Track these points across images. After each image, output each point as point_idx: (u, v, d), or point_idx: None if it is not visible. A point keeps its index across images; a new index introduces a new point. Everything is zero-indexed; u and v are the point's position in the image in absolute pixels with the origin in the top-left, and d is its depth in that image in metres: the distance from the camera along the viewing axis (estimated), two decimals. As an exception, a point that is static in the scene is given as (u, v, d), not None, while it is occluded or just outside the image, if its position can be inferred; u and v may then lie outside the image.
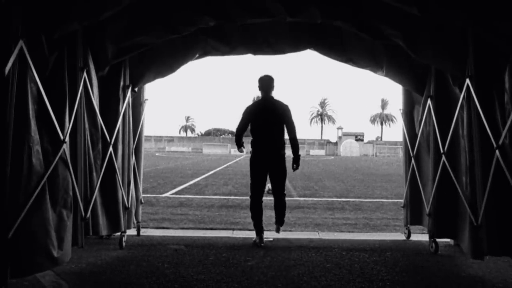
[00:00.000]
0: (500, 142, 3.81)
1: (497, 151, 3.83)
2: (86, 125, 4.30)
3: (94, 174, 4.43)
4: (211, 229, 6.29)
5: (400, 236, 5.88)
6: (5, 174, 3.00)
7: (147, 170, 18.85)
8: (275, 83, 5.44)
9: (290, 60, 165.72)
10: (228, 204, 9.05)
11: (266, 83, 5.37)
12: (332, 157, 59.13)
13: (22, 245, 3.19)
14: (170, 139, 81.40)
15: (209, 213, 7.71)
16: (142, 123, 5.60)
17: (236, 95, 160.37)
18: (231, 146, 69.97)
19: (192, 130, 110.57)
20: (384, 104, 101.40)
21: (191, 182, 14.15)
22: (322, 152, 74.91)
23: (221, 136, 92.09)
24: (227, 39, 5.06)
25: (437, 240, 4.94)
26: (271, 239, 5.45)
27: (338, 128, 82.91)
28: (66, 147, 3.75)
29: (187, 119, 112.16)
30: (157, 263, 4.35)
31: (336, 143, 79.69)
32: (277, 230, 5.48)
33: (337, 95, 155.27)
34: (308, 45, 5.15)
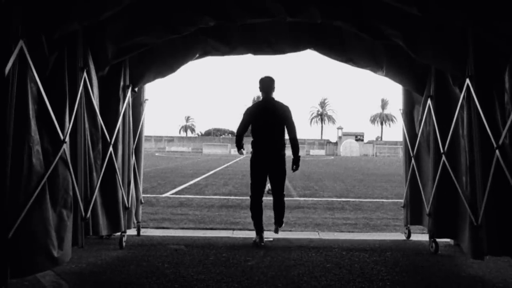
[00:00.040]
0: (500, 142, 3.81)
1: (497, 151, 3.83)
2: (86, 125, 4.30)
3: (94, 174, 4.43)
4: (211, 229, 6.29)
5: (400, 236, 5.88)
6: (5, 174, 3.00)
7: (147, 170, 18.85)
8: (276, 84, 5.46)
9: (290, 60, 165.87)
10: (228, 204, 9.06)
11: (266, 84, 5.39)
12: (332, 157, 59.14)
13: (22, 245, 3.19)
14: (170, 139, 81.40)
15: (209, 213, 7.71)
16: (142, 123, 5.60)
17: (236, 95, 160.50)
18: (231, 146, 69.94)
19: (192, 130, 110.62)
20: (384, 104, 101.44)
21: (191, 182, 14.15)
22: (322, 152, 74.91)
23: (221, 136, 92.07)
24: (227, 39, 5.07)
25: (437, 240, 4.94)
26: (271, 239, 5.46)
27: (338, 128, 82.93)
28: (66, 147, 3.75)
29: (187, 119, 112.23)
30: (157, 263, 4.35)
31: (336, 143, 79.68)
32: (276, 231, 5.50)
33: (337, 95, 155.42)
34: (308, 45, 5.15)
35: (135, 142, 5.43)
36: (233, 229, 6.25)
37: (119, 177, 4.79)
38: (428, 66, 4.89)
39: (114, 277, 3.90)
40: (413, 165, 5.41)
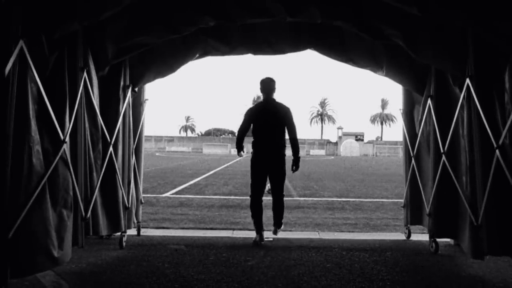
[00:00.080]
0: (500, 142, 3.81)
1: (497, 151, 3.83)
2: (87, 125, 4.30)
3: (94, 174, 4.43)
4: (211, 229, 6.29)
5: (400, 236, 5.88)
6: (5, 174, 3.00)
7: (147, 170, 18.85)
8: (276, 85, 5.51)
9: (290, 60, 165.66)
10: (228, 204, 9.06)
11: (267, 85, 5.44)
12: (332, 157, 59.14)
13: (23, 245, 3.19)
14: (170, 139, 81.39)
15: (209, 213, 7.71)
16: (142, 123, 5.60)
17: (236, 95, 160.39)
18: (231, 146, 69.93)
19: (192, 130, 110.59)
20: (384, 104, 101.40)
21: (191, 182, 14.15)
22: (322, 152, 74.89)
23: (221, 136, 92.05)
24: (227, 39, 5.07)
25: (437, 240, 4.94)
26: (271, 239, 5.46)
27: (338, 128, 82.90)
28: (66, 147, 3.75)
29: (187, 119, 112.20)
30: (157, 263, 4.35)
31: (336, 143, 79.66)
32: (275, 233, 5.51)
33: (337, 95, 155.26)
34: (308, 45, 5.15)
35: (135, 142, 5.43)
36: (233, 229, 6.25)
37: (119, 177, 4.79)
38: (428, 66, 4.89)
39: (114, 277, 3.90)
40: (413, 165, 5.41)
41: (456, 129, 4.53)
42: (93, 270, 4.07)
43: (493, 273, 4.21)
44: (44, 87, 3.43)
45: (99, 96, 4.52)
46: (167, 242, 5.26)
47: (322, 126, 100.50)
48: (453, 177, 4.53)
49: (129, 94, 5.00)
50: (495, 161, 3.86)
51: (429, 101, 4.91)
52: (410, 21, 4.17)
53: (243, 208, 8.13)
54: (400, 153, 56.31)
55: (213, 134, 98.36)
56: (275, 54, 5.35)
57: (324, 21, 4.46)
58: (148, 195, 9.78)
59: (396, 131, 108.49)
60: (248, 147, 5.54)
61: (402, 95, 5.73)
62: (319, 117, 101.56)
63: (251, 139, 5.48)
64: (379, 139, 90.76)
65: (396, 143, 73.98)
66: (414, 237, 5.69)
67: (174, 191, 11.39)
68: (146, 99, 5.68)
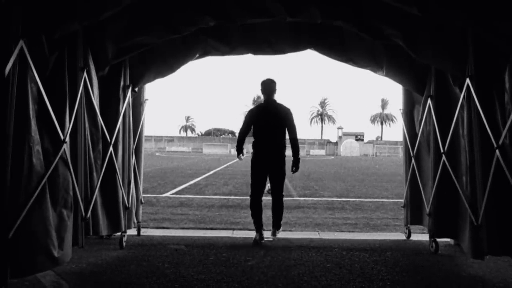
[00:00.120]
0: (500, 142, 3.81)
1: (497, 151, 3.83)
2: (87, 125, 4.30)
3: (95, 174, 4.43)
4: (211, 229, 6.29)
5: (400, 236, 5.88)
6: (5, 174, 3.00)
7: (147, 170, 18.85)
8: (277, 86, 5.55)
9: (290, 60, 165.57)
10: (228, 204, 9.06)
11: (268, 86, 5.50)
12: (332, 157, 59.14)
13: (23, 245, 3.19)
14: (170, 139, 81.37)
15: (209, 213, 7.71)
16: (142, 123, 5.60)
17: (236, 95, 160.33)
18: (231, 146, 69.90)
19: (192, 130, 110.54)
20: (384, 104, 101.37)
21: (191, 182, 14.15)
22: (322, 152, 74.87)
23: (221, 136, 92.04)
24: (227, 39, 5.07)
25: (438, 240, 4.94)
26: (271, 239, 5.46)
27: (338, 128, 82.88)
28: (66, 147, 3.75)
29: (187, 119, 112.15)
30: (158, 263, 4.35)
31: (336, 143, 79.64)
32: (273, 234, 5.52)
33: (337, 95, 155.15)
34: (308, 45, 5.15)
35: (135, 142, 5.43)
36: (233, 229, 6.25)
37: (119, 177, 4.79)
38: (428, 66, 4.89)
39: (114, 277, 3.90)
40: (413, 165, 5.41)
41: (456, 129, 4.53)
42: (93, 270, 4.07)
43: (493, 273, 4.21)
44: (44, 87, 3.43)
45: (99, 96, 4.52)
46: (167, 242, 5.26)
47: (322, 126, 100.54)
48: (453, 177, 4.53)
49: (129, 94, 5.00)
50: (495, 161, 3.86)
51: (429, 101, 4.91)
52: (410, 21, 4.17)
53: (243, 208, 8.13)
54: (400, 153, 56.31)
55: (213, 134, 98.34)
56: (275, 54, 5.36)
57: (324, 21, 4.46)
58: (148, 195, 9.79)
59: (396, 131, 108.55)
60: (248, 147, 5.56)
61: (402, 95, 5.73)
62: (319, 117, 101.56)
63: (251, 139, 5.51)
64: (379, 139, 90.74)
65: (396, 143, 73.96)
66: (414, 237, 5.70)
67: (174, 191, 11.39)
68: (146, 99, 5.68)
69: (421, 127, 5.18)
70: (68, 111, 3.84)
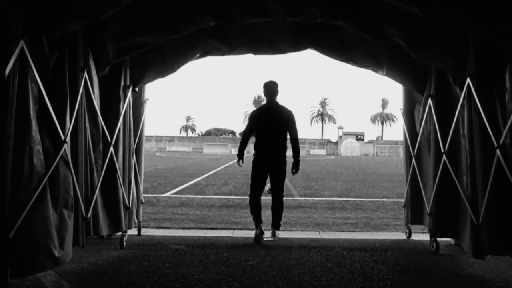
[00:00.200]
0: (501, 141, 3.81)
1: (497, 151, 3.82)
2: (87, 125, 4.30)
3: (95, 174, 4.43)
4: (212, 228, 6.29)
5: (401, 236, 5.88)
6: (6, 174, 3.00)
7: (148, 170, 18.85)
8: (279, 88, 5.62)
9: (291, 60, 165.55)
10: (228, 204, 9.06)
11: (271, 88, 5.58)
12: (333, 157, 59.12)
13: (23, 245, 3.19)
14: (171, 139, 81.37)
15: (209, 213, 7.71)
16: (143, 123, 5.61)
17: (236, 95, 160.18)
18: (231, 146, 69.88)
19: (193, 130, 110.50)
20: (384, 104, 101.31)
21: (192, 182, 14.15)
22: (322, 151, 74.81)
23: (222, 136, 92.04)
24: (227, 39, 5.07)
25: (438, 239, 4.94)
26: (272, 239, 5.47)
27: (338, 128, 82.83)
28: (67, 147, 3.75)
29: (188, 119, 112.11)
30: (158, 262, 4.35)
31: (336, 143, 79.60)
32: (273, 234, 5.54)
33: (338, 95, 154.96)
34: (309, 44, 5.15)
35: (136, 142, 5.43)
36: (234, 229, 6.25)
37: (120, 177, 4.80)
38: (428, 66, 4.89)
39: (115, 277, 3.90)
40: (413, 164, 5.41)
41: (456, 129, 4.52)
42: (94, 270, 4.07)
43: (494, 272, 4.21)
44: (45, 87, 3.44)
45: (99, 96, 4.52)
46: (168, 242, 5.26)
47: (322, 126, 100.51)
48: (454, 176, 4.53)
49: (129, 94, 5.00)
50: (495, 161, 3.86)
51: (429, 101, 4.91)
52: (411, 20, 4.17)
53: (244, 208, 8.13)
54: (401, 153, 56.23)
55: (214, 134, 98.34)
56: (275, 54, 5.36)
57: (324, 21, 4.46)
58: (149, 195, 9.79)
59: (396, 131, 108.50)
60: (248, 147, 5.59)
61: (403, 95, 5.73)
62: (320, 116, 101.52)
63: (251, 140, 5.58)
64: (380, 139, 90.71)
65: (396, 142, 73.89)
66: (415, 236, 5.69)
67: (174, 191, 11.40)
68: (146, 99, 5.68)
69: (422, 126, 5.18)
70: (68, 111, 3.84)
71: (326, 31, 4.99)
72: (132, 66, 5.02)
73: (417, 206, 5.39)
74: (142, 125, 5.59)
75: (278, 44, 5.19)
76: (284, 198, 5.68)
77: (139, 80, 5.19)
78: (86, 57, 4.16)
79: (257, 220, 5.44)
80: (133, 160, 5.32)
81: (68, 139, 3.77)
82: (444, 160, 4.63)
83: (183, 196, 10.34)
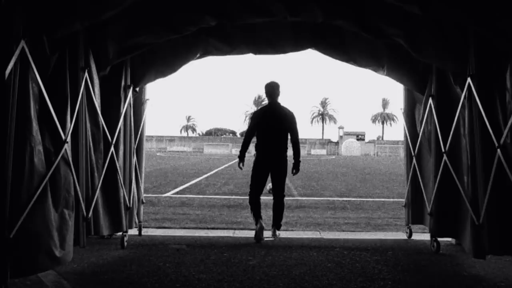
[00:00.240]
0: (502, 141, 3.81)
1: (498, 150, 3.82)
2: (88, 125, 4.31)
3: (96, 174, 4.43)
4: (213, 228, 6.30)
5: (401, 236, 5.88)
6: (7, 174, 3.01)
7: (149, 170, 18.86)
8: (281, 89, 5.65)
9: (291, 60, 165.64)
10: (229, 203, 9.06)
11: (272, 89, 5.60)
12: (333, 157, 59.12)
13: (24, 245, 3.19)
14: (171, 139, 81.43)
15: (210, 213, 7.71)
16: (144, 123, 5.61)
17: (237, 95, 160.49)
18: (232, 146, 69.91)
19: (193, 130, 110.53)
20: (385, 104, 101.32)
21: (193, 182, 14.16)
22: (323, 151, 74.83)
23: (222, 136, 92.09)
24: (228, 39, 5.07)
25: (439, 239, 4.94)
26: (272, 238, 5.47)
27: (339, 128, 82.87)
28: (67, 147, 3.76)
29: (188, 119, 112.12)
30: (159, 262, 4.35)
31: (337, 143, 79.61)
32: (273, 234, 5.55)
33: (338, 95, 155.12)
34: (309, 44, 5.15)
35: (137, 142, 5.44)
36: (235, 229, 6.25)
37: (121, 177, 4.80)
38: (429, 65, 4.88)
39: (115, 276, 3.90)
40: (414, 164, 5.41)
41: (457, 129, 4.52)
42: (94, 270, 4.07)
43: (494, 272, 4.20)
44: (46, 87, 3.44)
45: (100, 96, 4.53)
46: (169, 242, 5.27)
47: (323, 126, 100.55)
48: (455, 176, 4.52)
49: (130, 94, 5.00)
50: (496, 161, 3.85)
51: (430, 101, 4.90)
52: (411, 20, 4.17)
53: (244, 208, 8.13)
54: (401, 153, 56.17)
55: (214, 134, 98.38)
56: (276, 53, 5.36)
57: (325, 21, 4.46)
58: (149, 195, 9.79)
59: (397, 131, 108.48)
60: (249, 147, 5.61)
61: (403, 95, 5.73)
62: (320, 116, 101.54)
63: (252, 140, 5.62)
64: (380, 139, 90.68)
65: (397, 142, 73.88)
66: (416, 236, 5.69)
67: (175, 191, 11.40)
68: (147, 99, 5.68)
69: (422, 126, 5.18)
70: (69, 111, 3.84)
71: (326, 31, 4.98)
72: (133, 66, 5.02)
73: (418, 206, 5.39)
74: (143, 125, 5.59)
75: (278, 44, 5.19)
76: (285, 198, 5.68)
77: (139, 80, 5.19)
78: (87, 57, 4.16)
79: (257, 216, 5.48)
80: (134, 160, 5.32)
81: (69, 139, 3.77)
82: (445, 160, 4.63)
83: (183, 196, 10.35)
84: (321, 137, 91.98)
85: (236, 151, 60.07)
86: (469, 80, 4.14)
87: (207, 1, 4.29)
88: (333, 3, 4.30)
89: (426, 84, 5.03)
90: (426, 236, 5.44)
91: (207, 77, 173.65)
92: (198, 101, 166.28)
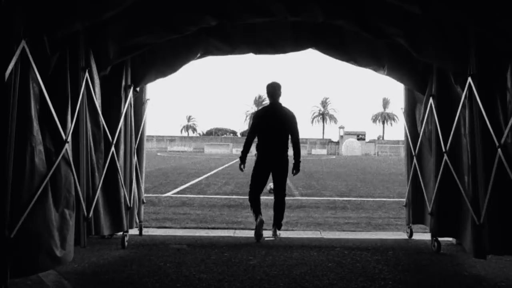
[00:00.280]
0: (502, 141, 3.80)
1: (499, 150, 3.82)
2: (89, 125, 4.31)
3: (96, 174, 4.43)
4: (213, 228, 6.30)
5: (402, 235, 5.88)
6: (7, 174, 3.01)
7: (149, 170, 18.85)
8: (282, 89, 5.67)
9: (292, 59, 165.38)
10: (229, 203, 9.06)
11: (273, 90, 5.63)
12: (334, 156, 59.10)
13: (25, 245, 3.19)
14: (172, 139, 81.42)
15: (211, 213, 7.72)
16: (144, 122, 5.61)
17: (237, 94, 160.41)
18: (232, 145, 69.89)
19: (194, 130, 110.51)
20: (385, 103, 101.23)
21: (193, 182, 14.16)
22: (324, 151, 74.76)
23: (223, 136, 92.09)
24: (228, 39, 5.07)
25: (439, 239, 4.94)
26: (273, 238, 5.47)
27: (339, 127, 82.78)
28: (68, 147, 3.76)
29: (189, 118, 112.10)
30: (159, 262, 4.35)
31: (337, 142, 79.55)
32: (274, 234, 5.56)
33: (339, 94, 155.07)
34: (309, 44, 5.15)
35: (137, 141, 5.44)
36: (235, 229, 6.26)
37: (121, 177, 4.80)
38: (429, 65, 4.88)
39: (116, 276, 3.90)
40: (415, 164, 5.41)
41: (458, 128, 4.52)
42: (95, 270, 4.07)
43: (495, 272, 4.20)
44: (46, 87, 3.44)
45: (101, 96, 4.53)
46: (169, 242, 5.27)
47: (323, 126, 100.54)
48: (455, 176, 4.52)
49: (130, 94, 5.00)
50: (497, 160, 3.85)
51: (430, 100, 4.90)
52: (411, 20, 4.16)
53: (245, 208, 8.13)
54: (402, 153, 56.14)
55: (215, 134, 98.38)
56: (276, 53, 5.36)
57: (326, 21, 4.46)
58: (150, 195, 9.80)
59: (398, 131, 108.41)
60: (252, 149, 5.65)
61: (404, 94, 5.73)
62: (321, 116, 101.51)
63: (253, 141, 5.68)
64: (381, 139, 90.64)
65: (397, 142, 73.81)
66: (416, 236, 5.69)
67: (175, 190, 11.41)
68: (147, 99, 5.68)
69: (423, 126, 5.18)
70: (70, 111, 3.84)
71: (326, 31, 4.98)
72: (133, 66, 5.03)
73: (419, 205, 5.39)
74: (143, 125, 5.60)
75: (279, 43, 5.19)
76: (286, 198, 5.69)
77: (140, 80, 5.19)
78: (87, 57, 4.17)
79: (257, 212, 5.50)
80: (135, 160, 5.33)
81: (69, 139, 3.77)
82: (446, 160, 4.63)
83: (184, 195, 10.35)
84: (321, 137, 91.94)
85: (236, 151, 60.08)
86: (469, 79, 4.13)
87: (208, 1, 4.29)
88: (333, 3, 4.29)
89: (427, 84, 5.03)
90: (427, 236, 5.44)
91: (208, 77, 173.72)
92: (199, 101, 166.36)
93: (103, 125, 4.54)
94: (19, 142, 3.12)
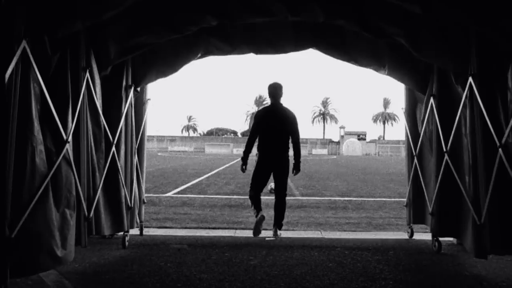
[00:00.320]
0: (503, 141, 3.80)
1: (500, 150, 3.81)
2: (89, 125, 4.31)
3: (97, 173, 4.44)
4: (214, 228, 6.30)
5: (403, 235, 5.88)
6: (8, 174, 3.01)
7: (150, 170, 18.85)
8: (283, 89, 5.67)
9: (292, 59, 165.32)
10: (230, 203, 9.06)
11: (275, 90, 5.63)
12: (335, 156, 59.07)
13: (25, 245, 3.19)
14: (172, 139, 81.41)
15: (211, 213, 7.72)
16: (145, 122, 5.61)
17: (238, 94, 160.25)
18: (233, 145, 69.88)
19: (194, 130, 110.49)
20: (386, 103, 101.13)
21: (194, 182, 14.16)
22: (324, 151, 74.72)
23: (223, 136, 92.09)
24: (229, 39, 5.07)
25: (440, 239, 4.93)
26: (274, 238, 5.47)
27: (340, 127, 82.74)
28: (69, 147, 3.76)
29: (189, 118, 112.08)
30: (160, 262, 4.36)
31: (338, 142, 79.51)
32: (275, 233, 5.56)
33: (339, 94, 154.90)
34: (310, 44, 5.15)
35: (138, 141, 5.44)
36: (236, 229, 6.26)
37: (122, 177, 4.80)
38: (430, 65, 4.88)
39: (117, 276, 3.91)
40: (415, 164, 5.41)
41: (458, 128, 4.52)
42: (96, 270, 4.08)
43: (496, 272, 4.20)
44: (47, 87, 3.44)
45: (101, 96, 4.53)
46: (170, 242, 5.27)
47: (324, 126, 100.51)
48: (456, 176, 4.52)
49: (131, 94, 5.01)
50: (498, 160, 3.85)
51: (431, 100, 4.90)
52: (412, 19, 4.16)
53: (245, 208, 8.13)
54: (403, 153, 56.10)
55: (215, 134, 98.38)
56: (277, 53, 5.36)
57: (326, 20, 4.46)
58: (151, 195, 9.80)
59: (398, 130, 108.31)
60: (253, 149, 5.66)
61: (405, 94, 5.72)
62: (321, 116, 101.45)
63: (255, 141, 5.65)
64: (382, 138, 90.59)
65: (398, 142, 73.78)
66: (417, 236, 5.69)
67: (176, 190, 11.41)
68: (148, 99, 5.69)
69: (424, 126, 5.17)
70: (70, 111, 3.85)
71: (327, 31, 4.98)
72: (134, 66, 5.03)
73: (419, 205, 5.38)
74: (144, 125, 5.60)
75: (279, 43, 5.19)
76: (286, 198, 5.69)
77: (141, 80, 5.19)
78: (88, 57, 4.17)
79: (258, 208, 5.50)
80: (135, 160, 5.33)
81: (70, 139, 3.77)
82: (446, 160, 4.62)
83: (185, 195, 10.35)
84: (322, 137, 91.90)
85: (237, 151, 60.07)
86: (470, 79, 4.13)
87: (208, 1, 4.30)
88: (333, 3, 4.29)
89: (427, 84, 5.02)
90: (428, 236, 5.43)
91: (208, 77, 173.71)
92: (199, 101, 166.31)
93: (103, 125, 4.54)
94: (20, 142, 3.12)
